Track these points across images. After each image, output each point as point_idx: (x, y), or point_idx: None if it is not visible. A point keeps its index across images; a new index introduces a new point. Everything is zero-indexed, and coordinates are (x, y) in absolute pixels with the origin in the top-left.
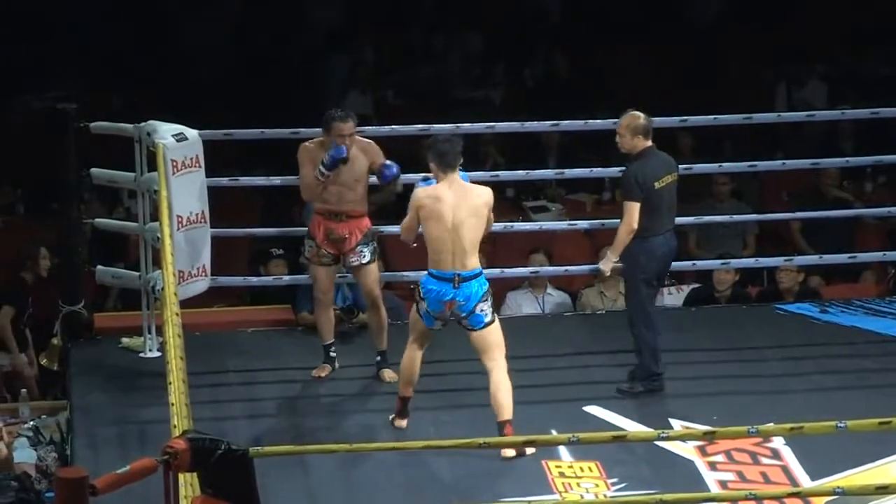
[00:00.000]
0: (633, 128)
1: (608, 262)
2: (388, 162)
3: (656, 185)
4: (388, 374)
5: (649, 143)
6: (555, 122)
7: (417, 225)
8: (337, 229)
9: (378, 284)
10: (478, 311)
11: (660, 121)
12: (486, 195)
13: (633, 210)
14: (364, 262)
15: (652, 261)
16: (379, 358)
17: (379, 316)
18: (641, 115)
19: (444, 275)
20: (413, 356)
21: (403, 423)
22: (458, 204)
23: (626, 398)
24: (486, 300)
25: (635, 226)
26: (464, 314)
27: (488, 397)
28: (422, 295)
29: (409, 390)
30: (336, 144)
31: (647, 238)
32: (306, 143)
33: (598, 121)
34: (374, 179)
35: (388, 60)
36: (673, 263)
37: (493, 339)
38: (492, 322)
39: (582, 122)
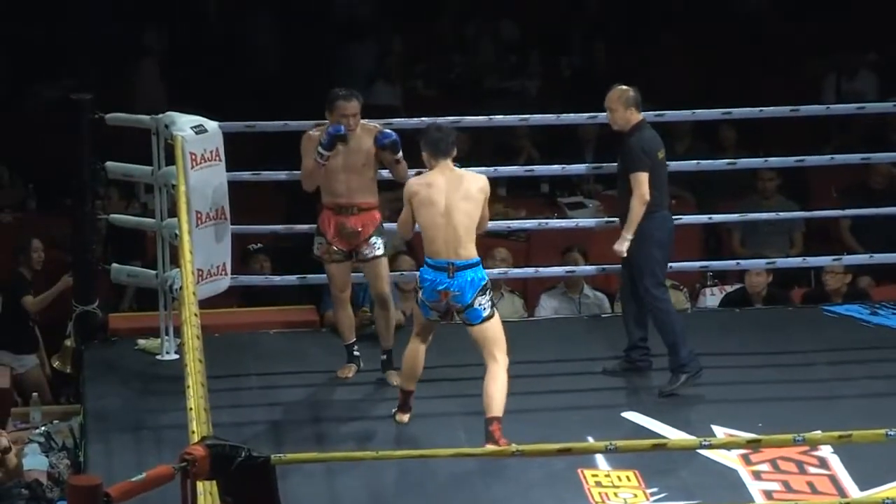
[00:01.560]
0: (624, 100)
1: (624, 242)
2: (385, 130)
3: (658, 155)
4: (394, 376)
5: (641, 115)
6: (592, 114)
7: (413, 218)
8: (348, 223)
9: (388, 281)
10: (476, 304)
11: (703, 113)
12: (480, 181)
13: (644, 180)
14: (378, 253)
15: (664, 234)
16: (384, 357)
17: (387, 313)
18: (628, 87)
19: (439, 263)
20: (416, 349)
21: (405, 417)
22: (451, 189)
23: (668, 400)
24: (485, 293)
25: (648, 197)
26: (461, 306)
27: (520, 403)
28: (419, 284)
29: (411, 384)
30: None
31: (655, 213)
32: (309, 132)
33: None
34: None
35: (417, 49)
36: (716, 262)
37: (491, 334)
38: (491, 317)
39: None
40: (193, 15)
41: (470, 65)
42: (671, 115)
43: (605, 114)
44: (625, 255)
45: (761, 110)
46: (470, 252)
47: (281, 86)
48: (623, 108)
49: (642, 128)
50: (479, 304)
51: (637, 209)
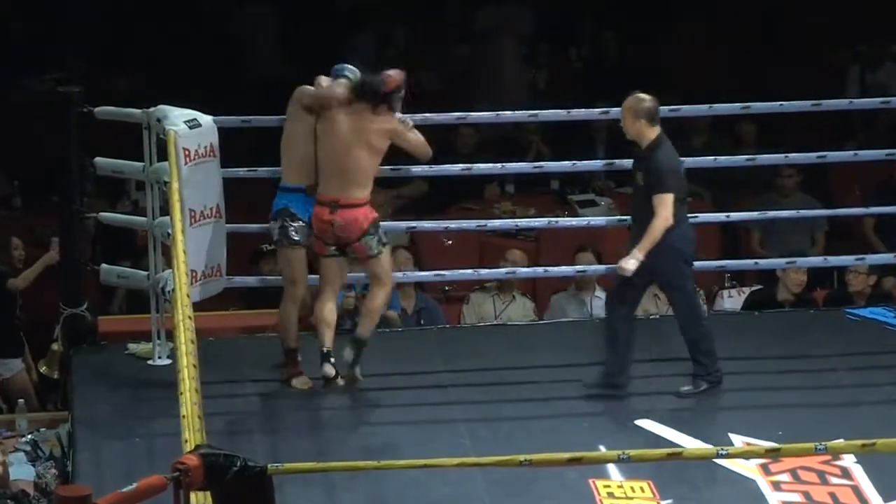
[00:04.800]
0: (634, 110)
1: (633, 261)
2: None
3: (682, 171)
4: (328, 368)
5: (658, 129)
6: (604, 108)
7: None
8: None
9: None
10: None
11: (720, 107)
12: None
13: (670, 202)
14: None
15: (688, 245)
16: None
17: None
18: (647, 97)
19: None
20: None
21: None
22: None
23: (684, 408)
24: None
25: (672, 221)
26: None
27: (529, 410)
28: None
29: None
30: None
31: (678, 225)
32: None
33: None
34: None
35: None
36: (735, 262)
37: None
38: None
39: None
40: (190, 4)
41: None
42: (687, 109)
43: (617, 109)
44: (629, 274)
45: (781, 104)
46: None
47: (279, 78)
48: (632, 119)
49: (662, 143)
50: None
51: (657, 232)
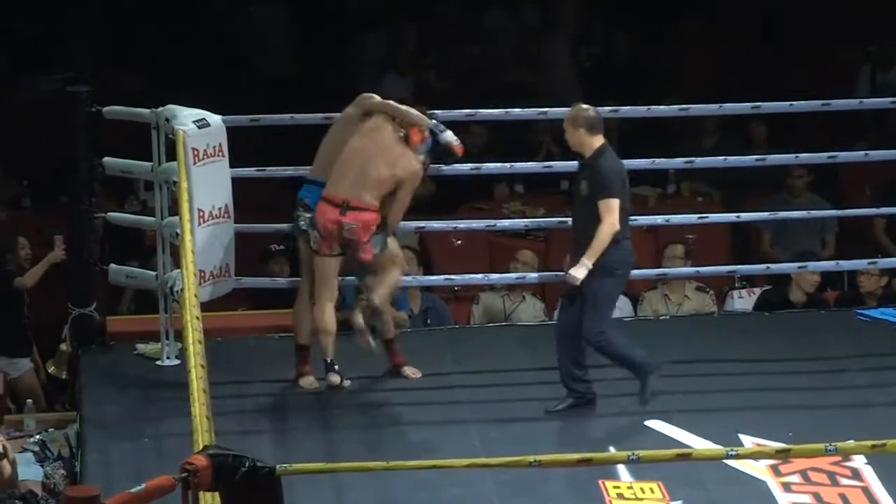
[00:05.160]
0: (573, 119)
1: (582, 269)
2: None
3: (626, 182)
4: (334, 378)
5: (601, 139)
6: (614, 108)
7: None
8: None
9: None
10: None
11: (730, 107)
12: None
13: (615, 207)
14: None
15: (623, 267)
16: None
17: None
18: (587, 107)
19: None
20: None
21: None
22: None
23: (694, 409)
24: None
25: (618, 225)
26: None
27: (538, 410)
28: None
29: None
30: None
31: (621, 242)
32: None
33: (662, 106)
34: None
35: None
36: (745, 268)
37: None
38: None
39: (644, 107)
40: (200, 4)
41: (486, 55)
42: (697, 108)
43: (627, 108)
44: (577, 283)
45: (791, 104)
46: None
47: (289, 78)
48: (572, 129)
49: (605, 151)
50: None
51: (605, 237)
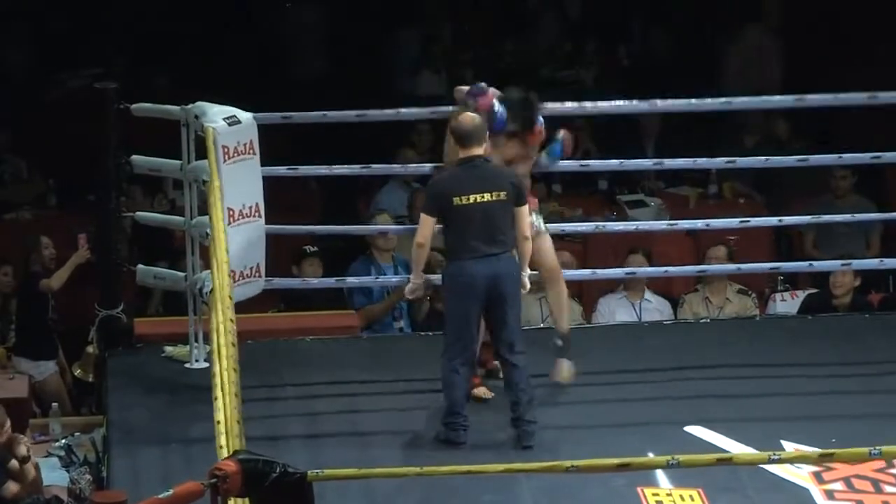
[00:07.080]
0: (451, 128)
1: (415, 279)
2: None
3: (456, 201)
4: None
5: (473, 152)
6: (653, 100)
7: None
8: None
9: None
10: None
11: (773, 101)
12: None
13: (423, 223)
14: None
15: (458, 285)
16: (560, 343)
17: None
18: (474, 116)
19: None
20: None
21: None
22: None
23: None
24: None
25: (422, 240)
26: None
27: (576, 416)
28: None
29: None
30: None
31: (453, 261)
32: None
33: (707, 99)
34: None
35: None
36: (788, 265)
37: None
38: None
39: (685, 101)
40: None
41: (522, 52)
42: (739, 102)
43: (667, 101)
44: (412, 296)
45: (836, 97)
46: None
47: (324, 76)
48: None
49: (457, 166)
50: None
51: (413, 249)
